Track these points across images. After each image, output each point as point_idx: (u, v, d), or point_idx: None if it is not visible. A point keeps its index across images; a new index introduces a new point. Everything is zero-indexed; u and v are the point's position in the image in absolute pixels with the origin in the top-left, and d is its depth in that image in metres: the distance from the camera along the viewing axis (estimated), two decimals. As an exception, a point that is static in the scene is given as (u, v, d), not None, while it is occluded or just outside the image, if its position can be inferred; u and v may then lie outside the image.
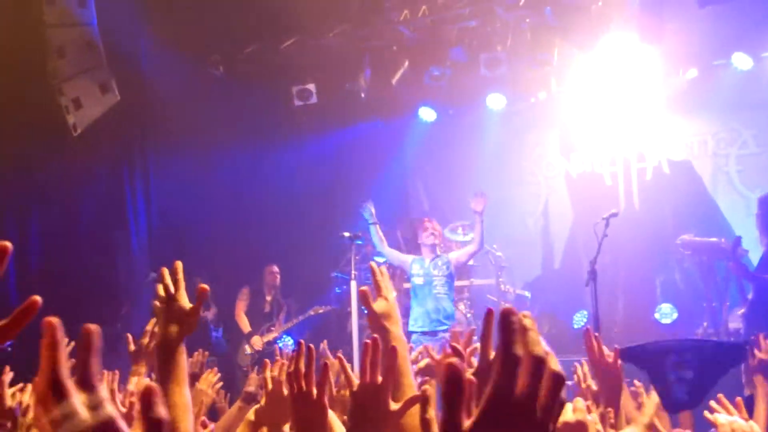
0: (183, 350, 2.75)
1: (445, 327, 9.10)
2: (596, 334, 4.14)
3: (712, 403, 3.33)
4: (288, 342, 10.46)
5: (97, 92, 9.64)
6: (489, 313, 1.77)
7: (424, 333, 9.13)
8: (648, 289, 11.22)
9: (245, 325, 10.51)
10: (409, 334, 9.19)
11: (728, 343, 8.21)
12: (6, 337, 1.32)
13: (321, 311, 10.57)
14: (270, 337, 10.46)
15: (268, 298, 10.72)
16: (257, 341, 10.40)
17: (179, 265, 2.83)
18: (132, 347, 4.64)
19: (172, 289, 2.81)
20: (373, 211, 9.57)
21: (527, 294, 11.29)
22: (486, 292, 11.34)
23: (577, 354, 5.14)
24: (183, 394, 2.65)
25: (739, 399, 3.17)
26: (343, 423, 2.95)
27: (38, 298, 1.29)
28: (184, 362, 2.72)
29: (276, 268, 10.78)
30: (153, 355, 4.34)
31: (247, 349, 10.37)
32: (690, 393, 6.78)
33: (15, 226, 9.18)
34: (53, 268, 9.22)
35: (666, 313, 10.49)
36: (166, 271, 2.85)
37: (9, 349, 7.18)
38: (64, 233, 9.53)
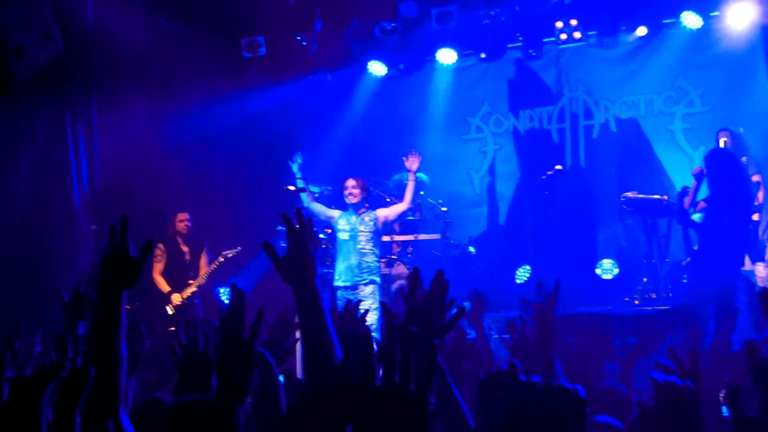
0: (122, 302, 2.74)
1: (365, 281, 9.29)
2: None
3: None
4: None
5: (40, 41, 9.47)
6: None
7: (346, 288, 9.29)
8: (590, 245, 11.36)
9: (164, 285, 10.21)
10: (335, 289, 9.37)
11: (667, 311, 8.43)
12: None
13: (231, 255, 10.39)
14: (188, 291, 10.28)
15: (185, 249, 10.52)
16: (176, 298, 10.17)
17: (125, 216, 2.82)
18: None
19: (118, 238, 2.79)
20: (299, 164, 9.59)
21: (472, 249, 11.37)
22: (431, 248, 11.41)
23: (518, 310, 5.17)
24: (119, 349, 2.65)
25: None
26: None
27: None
28: (121, 315, 2.71)
29: (185, 215, 10.53)
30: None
31: (168, 310, 10.14)
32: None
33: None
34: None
35: (607, 269, 10.61)
36: (124, 219, 2.83)
37: None
38: (3, 184, 9.39)
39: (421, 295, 2.47)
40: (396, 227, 11.40)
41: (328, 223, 9.76)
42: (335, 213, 9.59)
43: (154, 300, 10.10)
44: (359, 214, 9.42)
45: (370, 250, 9.40)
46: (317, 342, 2.72)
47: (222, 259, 10.38)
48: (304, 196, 9.52)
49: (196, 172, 11.32)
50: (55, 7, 9.50)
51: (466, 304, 4.71)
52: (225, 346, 2.50)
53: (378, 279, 9.46)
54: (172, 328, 9.69)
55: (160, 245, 10.20)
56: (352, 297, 8.66)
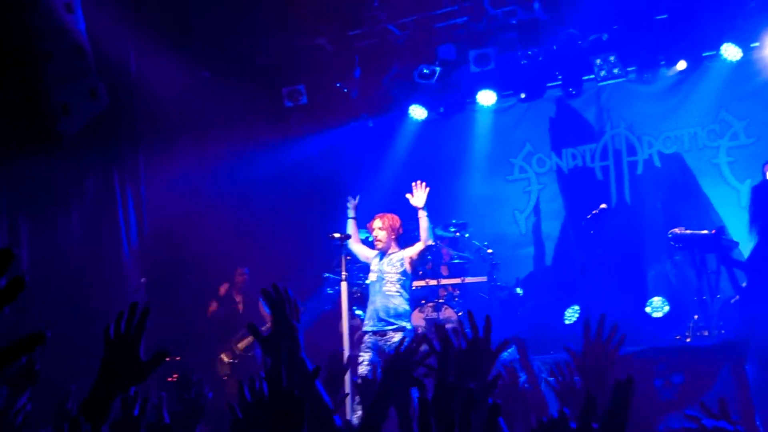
0: (115, 399, 2.51)
1: (394, 326, 8.68)
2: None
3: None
4: None
5: (86, 98, 9.63)
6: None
7: (374, 333, 8.71)
8: (639, 282, 11.23)
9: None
10: (363, 333, 8.93)
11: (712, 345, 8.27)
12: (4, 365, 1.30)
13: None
14: (247, 341, 10.34)
15: (239, 301, 10.62)
16: (226, 356, 10.28)
17: (147, 310, 2.56)
18: None
19: (131, 331, 2.53)
20: (354, 204, 9.31)
21: (519, 291, 11.29)
22: (478, 291, 11.36)
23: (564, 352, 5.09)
24: None
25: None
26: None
27: (45, 333, 1.28)
28: (109, 412, 2.49)
29: (243, 270, 10.70)
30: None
31: (224, 358, 10.25)
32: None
33: (4, 234, 9.16)
34: (44, 277, 9.21)
35: (657, 307, 10.48)
36: (134, 306, 2.58)
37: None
38: (54, 241, 9.53)
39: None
40: (443, 271, 11.36)
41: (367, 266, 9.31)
42: (371, 254, 9.18)
43: (209, 350, 10.17)
44: (386, 255, 9.01)
45: (397, 292, 8.88)
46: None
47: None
48: (349, 223, 9.23)
49: (242, 221, 11.42)
50: (99, 63, 9.65)
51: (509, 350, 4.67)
52: (276, 397, 2.47)
53: (409, 325, 8.85)
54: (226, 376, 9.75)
55: (214, 302, 10.39)
56: (380, 344, 8.48)
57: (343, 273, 8.90)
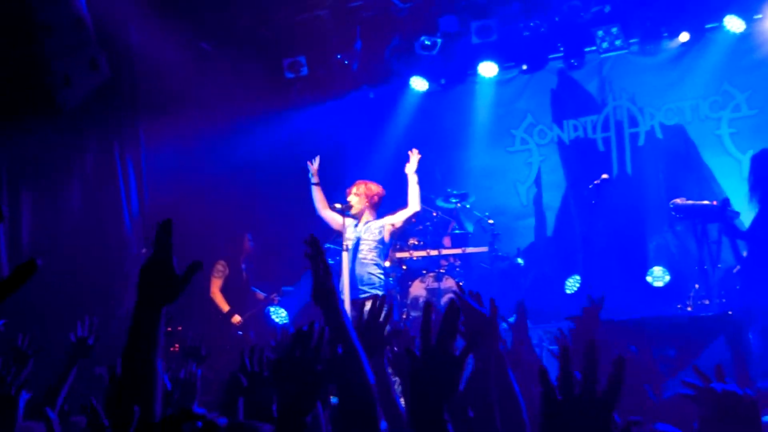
0: (161, 318, 2.47)
1: (368, 295, 8.63)
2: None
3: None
4: (282, 314, 10.44)
5: (86, 69, 9.61)
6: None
7: (352, 302, 8.58)
8: (640, 252, 11.25)
9: (223, 304, 10.15)
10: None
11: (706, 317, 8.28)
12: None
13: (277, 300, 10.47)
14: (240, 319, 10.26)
15: (244, 269, 10.58)
16: (236, 319, 10.17)
17: (168, 221, 2.54)
18: None
19: (164, 248, 2.52)
20: (314, 168, 9.27)
21: (520, 261, 11.30)
22: (480, 261, 11.38)
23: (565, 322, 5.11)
24: (154, 369, 2.40)
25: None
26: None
27: (35, 260, 1.29)
28: (159, 332, 2.45)
29: (246, 237, 10.65)
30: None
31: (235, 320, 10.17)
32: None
33: (5, 205, 9.17)
34: (45, 248, 9.24)
35: (658, 276, 10.49)
36: (161, 225, 2.54)
37: (2, 328, 7.19)
38: (55, 210, 9.54)
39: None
40: (446, 242, 11.38)
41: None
42: (347, 221, 9.09)
43: (211, 318, 10.13)
44: (365, 223, 9.02)
45: (373, 260, 8.87)
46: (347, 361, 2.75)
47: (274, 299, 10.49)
48: (315, 202, 9.30)
49: (242, 192, 11.43)
50: (99, 34, 9.63)
51: (510, 319, 4.71)
52: (288, 371, 2.54)
53: (381, 291, 8.81)
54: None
55: (222, 262, 10.21)
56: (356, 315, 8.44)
57: (345, 243, 8.91)
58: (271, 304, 10.48)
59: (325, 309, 2.91)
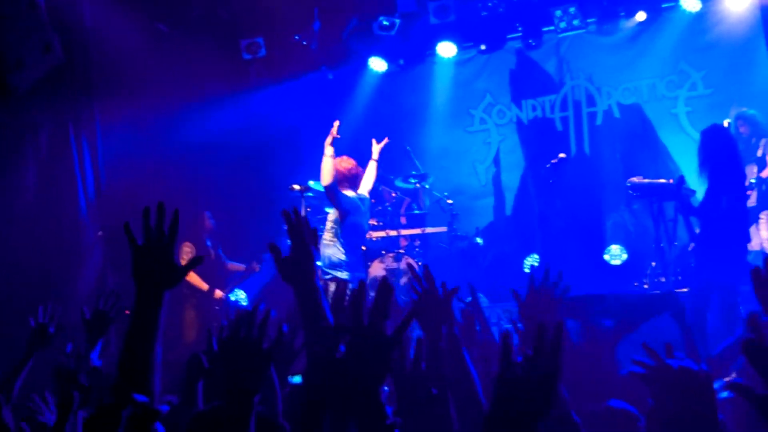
0: (162, 303, 2.49)
1: (329, 276, 8.51)
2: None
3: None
4: (241, 296, 10.40)
5: (39, 52, 9.47)
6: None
7: None
8: (598, 231, 11.34)
9: (202, 284, 10.05)
10: None
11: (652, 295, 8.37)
12: None
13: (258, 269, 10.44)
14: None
15: (209, 246, 10.46)
16: (220, 294, 10.16)
17: (177, 211, 2.53)
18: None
19: (167, 232, 2.50)
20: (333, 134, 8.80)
21: (479, 240, 11.35)
22: (439, 241, 11.41)
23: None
24: (155, 354, 2.45)
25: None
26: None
27: None
28: (160, 317, 2.48)
29: (208, 214, 10.55)
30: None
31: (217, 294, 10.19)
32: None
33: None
34: (-1, 231, 9.13)
35: (615, 255, 10.58)
36: (161, 207, 2.52)
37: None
38: (8, 193, 9.41)
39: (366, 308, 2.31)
40: (402, 221, 11.40)
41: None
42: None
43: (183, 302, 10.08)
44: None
45: (331, 241, 8.69)
46: (319, 338, 2.74)
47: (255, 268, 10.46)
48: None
49: (201, 175, 11.34)
50: (53, 17, 9.48)
51: (468, 299, 4.71)
52: (233, 350, 2.49)
53: (344, 275, 8.60)
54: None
55: (188, 243, 10.07)
56: None
57: None
58: (254, 273, 10.47)
59: (298, 285, 2.87)
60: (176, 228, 2.49)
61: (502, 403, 1.97)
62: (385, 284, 2.25)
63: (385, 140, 9.31)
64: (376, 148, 9.29)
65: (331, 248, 8.69)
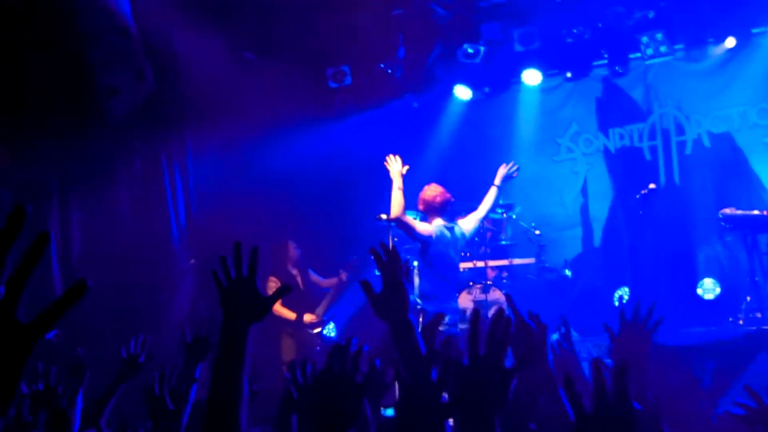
0: (247, 337, 2.59)
1: (419, 307, 8.47)
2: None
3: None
4: (329, 326, 10.42)
5: (132, 79, 9.69)
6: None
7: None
8: (690, 264, 11.11)
9: (289, 314, 10.09)
10: None
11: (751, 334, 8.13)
12: (51, 322, 1.33)
13: (343, 277, 10.40)
14: (323, 308, 10.31)
15: (296, 275, 10.52)
16: (309, 317, 10.18)
17: (256, 249, 2.68)
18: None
19: (246, 269, 2.64)
20: (400, 169, 8.75)
21: (568, 272, 11.20)
22: (526, 272, 11.30)
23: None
24: (241, 387, 2.53)
25: None
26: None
27: (86, 281, 1.31)
28: (246, 352, 2.57)
29: (293, 244, 10.60)
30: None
31: (315, 319, 10.23)
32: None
33: (56, 214, 9.26)
34: (94, 256, 9.30)
35: (709, 289, 10.35)
36: (238, 246, 2.67)
37: (54, 339, 7.24)
38: (104, 221, 9.61)
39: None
40: (482, 251, 11.32)
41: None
42: (424, 226, 8.88)
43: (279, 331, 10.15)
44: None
45: (420, 271, 8.82)
46: (415, 373, 2.71)
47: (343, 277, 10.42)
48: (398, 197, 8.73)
49: (288, 203, 11.44)
50: (145, 45, 9.69)
51: (554, 336, 4.63)
52: (333, 382, 2.55)
53: (431, 306, 8.51)
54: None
55: (272, 278, 10.12)
56: None
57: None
58: (342, 283, 10.46)
59: (392, 322, 2.87)
60: (255, 265, 2.63)
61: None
62: (501, 314, 2.24)
63: (406, 167, 8.93)
64: (501, 173, 9.20)
65: (420, 279, 8.74)
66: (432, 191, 8.93)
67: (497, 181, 9.15)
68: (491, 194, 9.15)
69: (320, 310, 10.27)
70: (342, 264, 10.60)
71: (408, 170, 8.83)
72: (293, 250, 10.54)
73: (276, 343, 10.02)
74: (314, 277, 10.67)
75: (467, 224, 9.10)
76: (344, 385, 2.53)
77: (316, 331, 10.24)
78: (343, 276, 10.45)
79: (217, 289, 2.66)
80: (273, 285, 9.96)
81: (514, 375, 2.23)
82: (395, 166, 8.79)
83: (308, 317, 10.20)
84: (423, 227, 8.74)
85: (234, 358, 2.52)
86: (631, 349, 3.53)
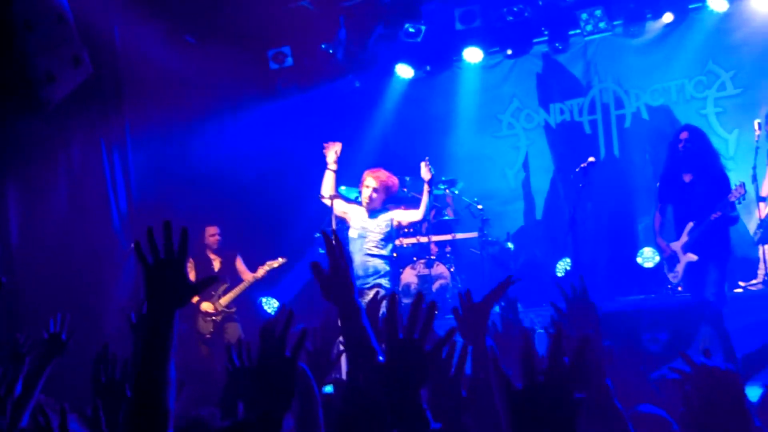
0: (174, 321, 2.46)
1: (369, 285, 8.50)
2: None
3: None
4: (273, 303, 10.41)
5: (69, 65, 9.56)
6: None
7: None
8: (629, 234, 11.29)
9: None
10: None
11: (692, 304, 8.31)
12: None
13: (277, 265, 10.09)
14: (228, 298, 10.11)
15: (215, 260, 10.39)
16: (207, 306, 10.05)
17: (186, 230, 2.47)
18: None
19: (176, 250, 2.47)
20: (335, 154, 8.80)
21: (510, 245, 11.31)
22: (470, 246, 11.39)
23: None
24: (168, 371, 2.41)
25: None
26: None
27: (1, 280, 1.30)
28: (172, 335, 2.44)
29: (214, 229, 10.43)
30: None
31: (206, 308, 10.07)
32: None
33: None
34: (33, 243, 9.21)
35: (648, 257, 10.49)
36: (168, 225, 2.47)
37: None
38: (42, 206, 9.50)
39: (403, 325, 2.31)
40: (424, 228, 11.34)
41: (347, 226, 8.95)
42: (352, 209, 8.91)
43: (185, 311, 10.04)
44: (372, 213, 8.77)
45: (378, 252, 8.67)
46: (362, 354, 2.75)
47: (268, 268, 10.09)
48: (324, 186, 8.82)
49: (230, 185, 11.39)
50: (82, 30, 9.57)
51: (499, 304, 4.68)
52: (265, 361, 2.52)
53: (386, 283, 8.63)
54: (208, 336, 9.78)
55: (191, 261, 10.02)
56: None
57: (350, 231, 8.81)
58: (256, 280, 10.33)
59: (340, 304, 2.87)
60: (185, 247, 2.46)
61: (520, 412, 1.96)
62: (419, 299, 2.27)
63: (428, 167, 8.82)
64: (424, 171, 8.84)
65: (377, 259, 8.70)
66: (392, 178, 8.90)
67: (425, 177, 8.82)
68: (425, 195, 8.86)
69: (224, 299, 10.09)
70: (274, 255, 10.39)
71: (350, 149, 8.82)
72: (210, 236, 10.41)
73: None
74: (240, 265, 10.40)
75: (403, 216, 8.97)
76: (277, 361, 2.49)
77: (214, 319, 10.09)
78: (259, 273, 10.15)
79: (142, 266, 2.50)
80: (190, 267, 9.88)
81: (433, 357, 2.29)
82: (332, 153, 8.81)
83: (205, 305, 10.07)
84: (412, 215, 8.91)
85: (160, 341, 2.41)
86: (580, 323, 3.59)
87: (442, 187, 11.08)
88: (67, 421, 3.09)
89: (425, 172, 8.73)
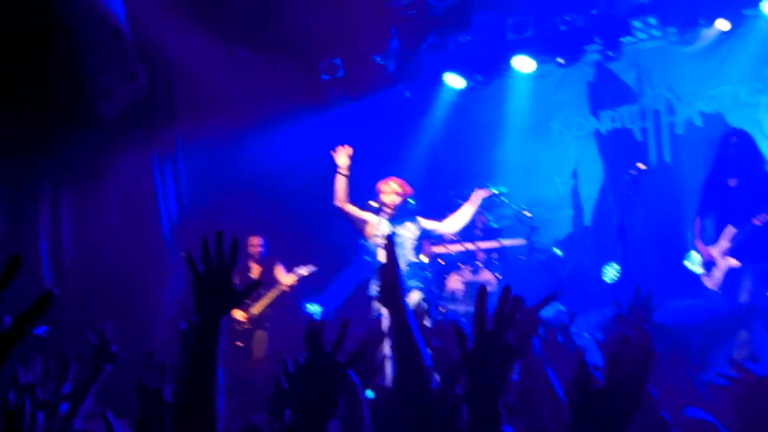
0: (221, 326, 2.54)
1: (410, 288, 8.38)
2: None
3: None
4: (316, 310, 10.48)
5: (125, 81, 9.76)
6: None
7: None
8: (679, 240, 11.17)
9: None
10: None
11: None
12: (22, 331, 1.40)
13: (305, 272, 10.14)
14: (261, 305, 10.18)
15: (255, 270, 10.47)
16: (239, 314, 10.09)
17: (236, 240, 2.60)
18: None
19: (226, 259, 2.57)
20: (347, 159, 8.82)
21: (559, 252, 11.27)
22: (517, 253, 11.37)
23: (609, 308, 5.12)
24: (216, 375, 2.48)
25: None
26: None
27: (51, 293, 1.37)
28: (220, 340, 2.53)
29: (257, 240, 10.51)
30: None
31: (238, 317, 10.14)
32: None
33: (48, 213, 9.32)
34: (85, 254, 9.39)
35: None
36: (220, 235, 2.60)
37: (43, 335, 7.31)
38: (95, 219, 9.67)
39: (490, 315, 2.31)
40: (477, 233, 11.33)
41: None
42: (370, 216, 8.80)
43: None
44: (399, 220, 8.69)
45: (413, 255, 8.59)
46: (410, 359, 2.78)
47: (296, 276, 10.14)
48: (340, 184, 8.80)
49: (281, 196, 11.50)
50: (137, 45, 9.77)
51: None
52: (312, 366, 2.56)
53: (422, 284, 8.65)
54: (239, 344, 9.86)
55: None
56: None
57: (375, 239, 8.73)
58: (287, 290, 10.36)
59: (392, 309, 2.89)
60: (235, 256, 2.57)
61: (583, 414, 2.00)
62: (507, 292, 2.29)
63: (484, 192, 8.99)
64: (479, 196, 8.93)
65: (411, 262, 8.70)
66: (408, 185, 8.87)
67: (475, 202, 8.88)
68: (466, 214, 8.87)
69: (256, 307, 10.16)
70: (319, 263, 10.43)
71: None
72: (252, 246, 10.51)
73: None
74: (279, 273, 10.42)
75: (436, 226, 8.92)
76: (324, 366, 2.55)
77: (245, 327, 10.16)
78: (288, 281, 10.17)
79: (192, 275, 2.61)
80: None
81: (519, 353, 2.29)
82: (343, 157, 8.81)
83: (238, 313, 10.09)
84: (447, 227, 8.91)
85: (208, 347, 2.48)
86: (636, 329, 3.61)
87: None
88: (112, 427, 3.19)
89: (481, 195, 8.84)
